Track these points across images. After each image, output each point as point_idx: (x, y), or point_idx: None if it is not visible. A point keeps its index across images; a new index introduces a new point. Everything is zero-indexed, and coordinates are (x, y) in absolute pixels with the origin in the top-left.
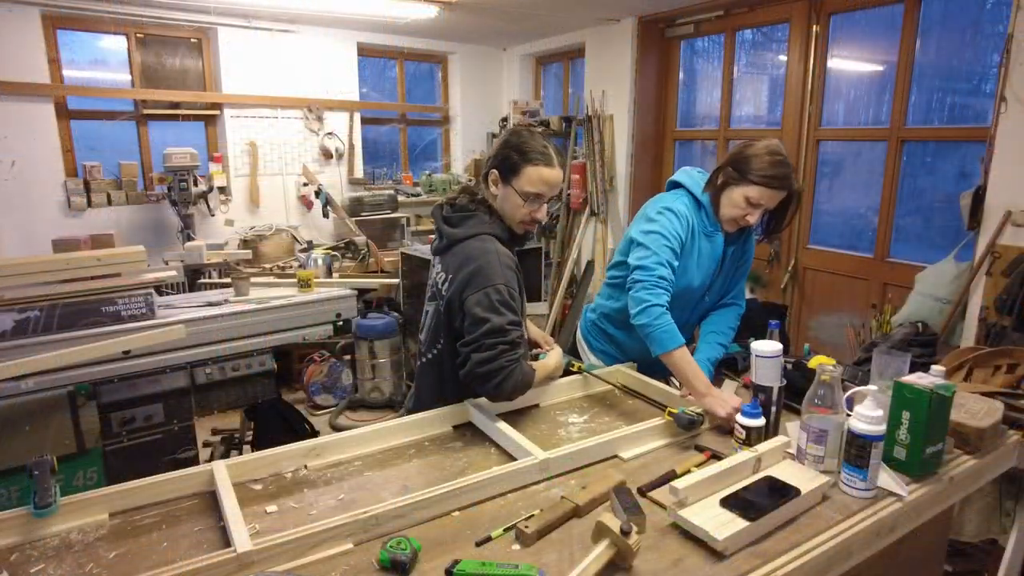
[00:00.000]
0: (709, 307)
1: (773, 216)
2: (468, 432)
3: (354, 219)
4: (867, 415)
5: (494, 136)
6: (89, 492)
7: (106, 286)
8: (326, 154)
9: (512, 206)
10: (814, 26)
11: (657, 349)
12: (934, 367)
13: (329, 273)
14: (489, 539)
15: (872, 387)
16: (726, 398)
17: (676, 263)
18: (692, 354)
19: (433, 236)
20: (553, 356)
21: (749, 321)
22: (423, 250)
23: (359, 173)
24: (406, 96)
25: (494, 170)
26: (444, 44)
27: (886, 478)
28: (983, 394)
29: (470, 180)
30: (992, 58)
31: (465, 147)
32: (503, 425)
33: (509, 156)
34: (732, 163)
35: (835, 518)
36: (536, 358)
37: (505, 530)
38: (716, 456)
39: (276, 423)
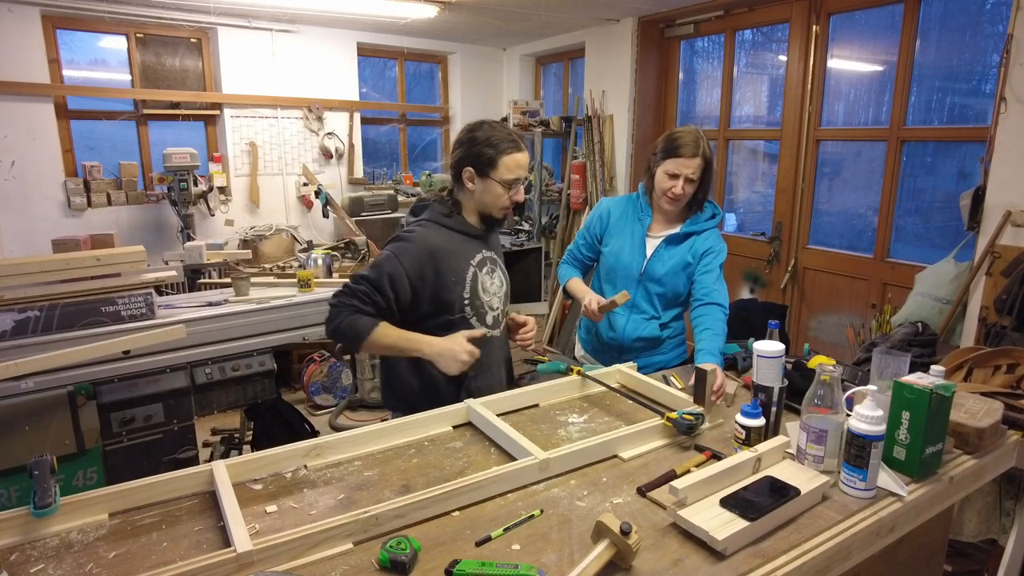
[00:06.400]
0: (665, 296)
1: (700, 186)
2: (468, 432)
3: (354, 219)
4: (867, 415)
5: None
6: (89, 492)
7: (106, 286)
8: (326, 154)
9: (494, 196)
10: (814, 26)
11: (561, 289)
12: (934, 367)
13: (329, 273)
14: (489, 539)
15: (872, 387)
16: (592, 297)
17: (588, 240)
18: (695, 355)
19: None
20: (446, 340)
21: (749, 321)
22: None
23: (359, 173)
24: (406, 96)
25: (469, 168)
26: (444, 44)
27: (886, 478)
28: (983, 394)
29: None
30: (992, 58)
31: None
32: (503, 425)
33: (482, 152)
34: (653, 151)
35: (835, 518)
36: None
37: (505, 530)
38: (716, 456)
39: (276, 423)
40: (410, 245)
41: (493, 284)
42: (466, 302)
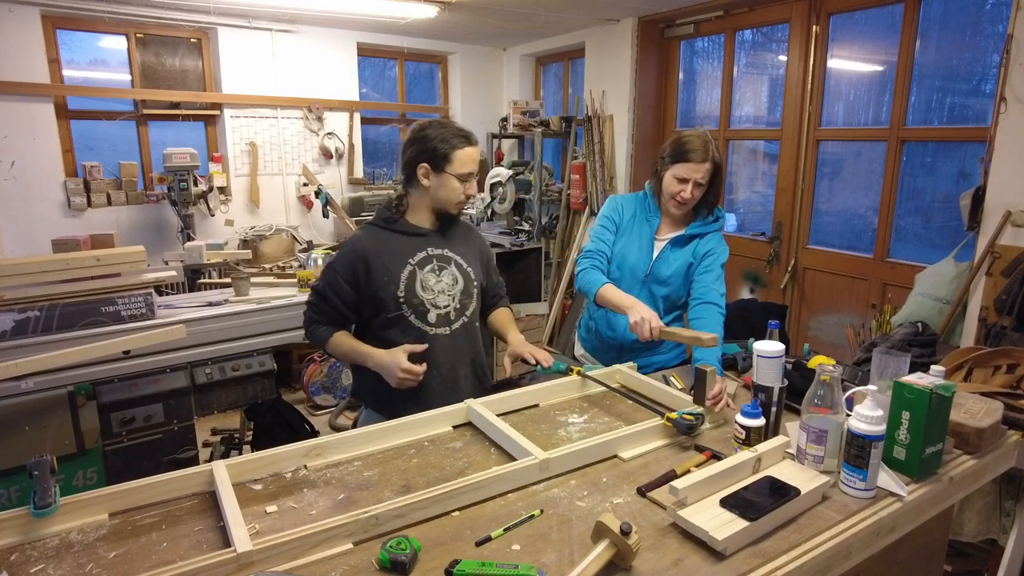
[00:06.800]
0: (669, 298)
1: (708, 190)
2: (468, 432)
3: (354, 219)
4: (867, 415)
5: (494, 136)
6: (89, 492)
7: (106, 286)
8: (326, 154)
9: (449, 190)
10: (814, 26)
11: (590, 295)
12: (934, 367)
13: None
14: (489, 539)
15: (872, 387)
16: (649, 314)
17: (610, 236)
18: (694, 360)
19: None
20: (387, 354)
21: (749, 321)
22: None
23: (359, 173)
24: (406, 96)
25: (424, 164)
26: (444, 44)
27: (886, 478)
28: (983, 394)
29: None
30: (992, 58)
31: None
32: (503, 425)
33: (436, 148)
34: (661, 154)
35: (835, 518)
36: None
37: (505, 530)
38: (716, 456)
39: (276, 423)
40: (342, 251)
41: (440, 282)
42: (401, 300)
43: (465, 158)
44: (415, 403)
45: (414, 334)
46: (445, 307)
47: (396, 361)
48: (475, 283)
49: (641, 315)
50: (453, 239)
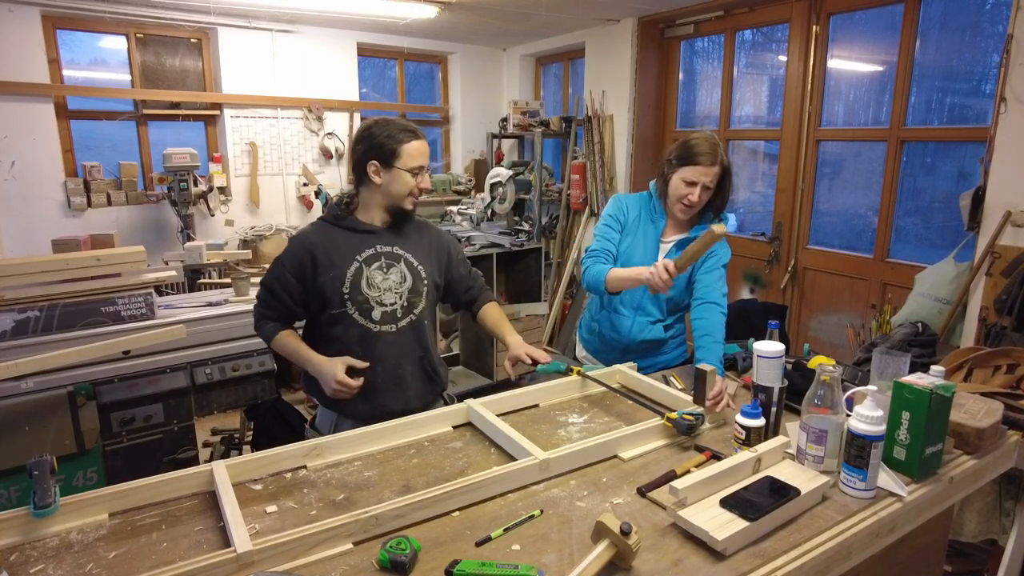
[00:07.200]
0: (673, 300)
1: (716, 194)
2: (468, 432)
3: None
4: (867, 415)
5: (494, 136)
6: (89, 492)
7: (106, 286)
8: (326, 154)
9: (401, 184)
10: (814, 26)
11: (600, 286)
12: (934, 367)
13: None
14: (489, 539)
15: (872, 387)
16: (658, 264)
17: (615, 235)
18: (695, 360)
19: None
20: (327, 362)
21: (749, 321)
22: None
23: None
24: (406, 96)
25: (373, 161)
26: (444, 44)
27: (886, 478)
28: (983, 394)
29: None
30: (992, 58)
31: (465, 147)
32: (503, 425)
33: (383, 144)
34: (668, 156)
35: (835, 518)
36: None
37: (505, 530)
38: (716, 456)
39: (276, 423)
40: (290, 246)
41: (387, 280)
42: (346, 296)
43: (413, 152)
44: (360, 399)
45: (358, 331)
46: (391, 305)
47: (333, 372)
48: (425, 281)
49: (651, 269)
50: (406, 237)
